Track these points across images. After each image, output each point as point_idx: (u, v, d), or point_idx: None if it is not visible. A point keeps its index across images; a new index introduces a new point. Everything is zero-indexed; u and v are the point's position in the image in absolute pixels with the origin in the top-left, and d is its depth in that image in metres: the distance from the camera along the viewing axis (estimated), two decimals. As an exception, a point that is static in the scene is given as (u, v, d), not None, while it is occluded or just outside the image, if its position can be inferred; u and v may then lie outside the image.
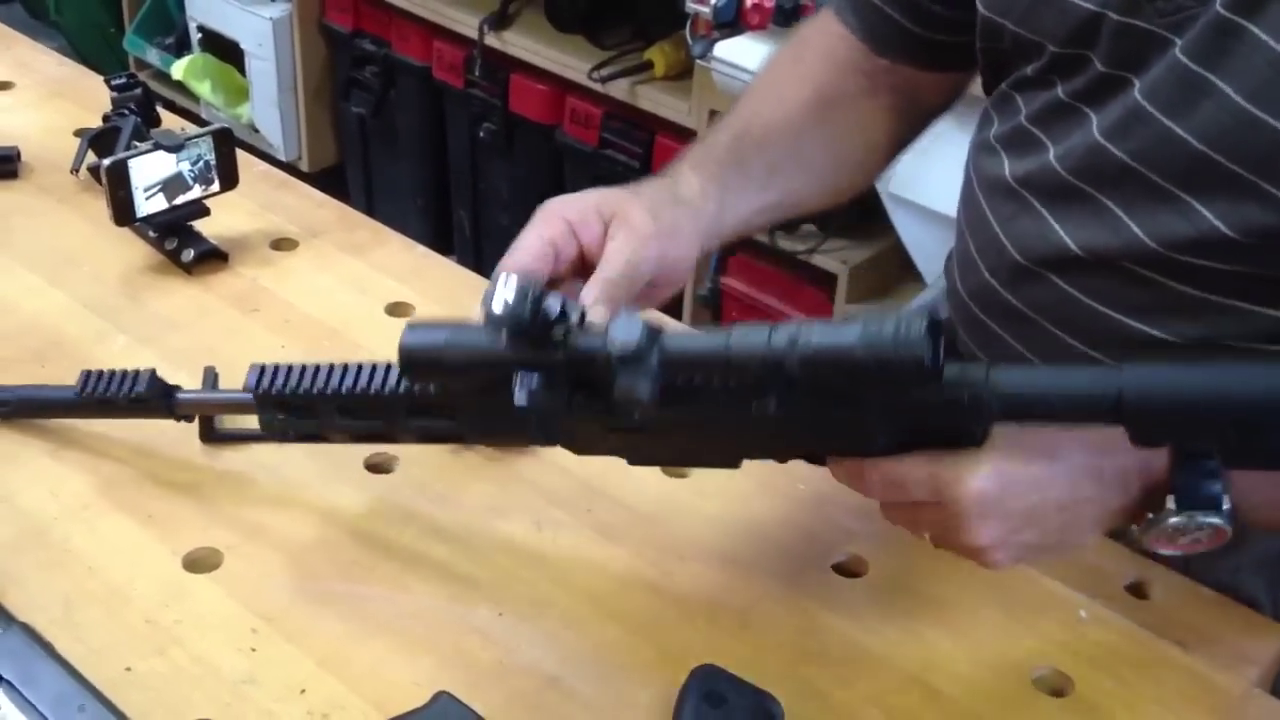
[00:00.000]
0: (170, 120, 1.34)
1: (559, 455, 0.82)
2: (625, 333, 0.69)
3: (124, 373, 0.94)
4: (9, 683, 0.73)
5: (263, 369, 0.87)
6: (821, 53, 1.04)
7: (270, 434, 0.90)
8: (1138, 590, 0.90)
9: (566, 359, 0.72)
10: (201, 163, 1.17)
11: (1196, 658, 0.85)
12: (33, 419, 0.99)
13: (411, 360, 0.76)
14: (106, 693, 0.75)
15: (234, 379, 0.91)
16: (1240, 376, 0.69)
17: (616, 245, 0.84)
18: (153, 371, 0.94)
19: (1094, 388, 0.69)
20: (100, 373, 0.95)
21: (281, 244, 1.23)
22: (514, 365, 0.74)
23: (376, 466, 0.97)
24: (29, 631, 0.77)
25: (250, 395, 0.87)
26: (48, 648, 0.76)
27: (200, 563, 0.89)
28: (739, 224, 0.95)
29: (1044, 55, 0.88)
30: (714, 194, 0.92)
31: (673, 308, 1.80)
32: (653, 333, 0.69)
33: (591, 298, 0.80)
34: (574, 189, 0.90)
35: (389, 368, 0.83)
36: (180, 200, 1.17)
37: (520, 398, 0.74)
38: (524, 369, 0.74)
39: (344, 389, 0.84)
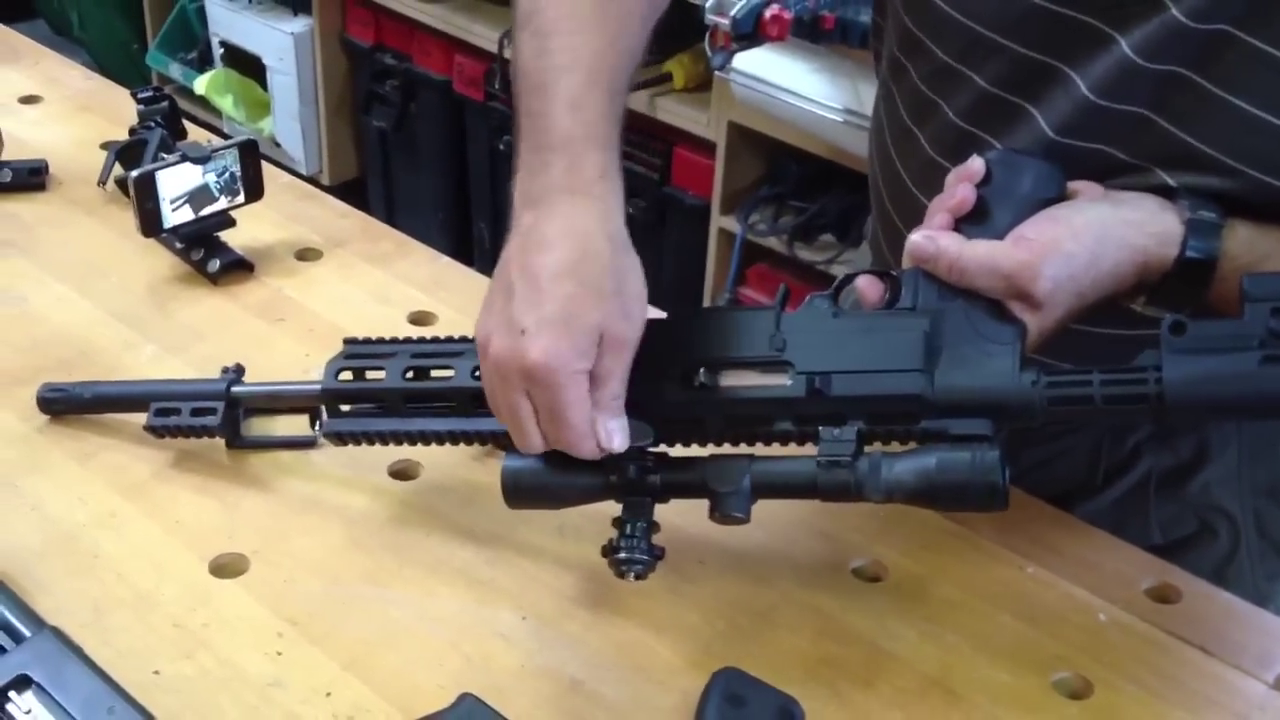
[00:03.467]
0: (195, 134, 1.35)
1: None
2: (725, 481, 0.79)
3: (195, 405, 0.98)
4: (39, 685, 0.74)
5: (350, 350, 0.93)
6: None
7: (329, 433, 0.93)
8: (1158, 594, 0.91)
9: (662, 486, 0.81)
10: (227, 174, 1.18)
11: (1217, 661, 0.85)
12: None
13: (516, 488, 0.82)
14: (135, 696, 0.75)
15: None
16: None
17: (612, 363, 0.77)
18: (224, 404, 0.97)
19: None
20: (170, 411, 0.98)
21: (306, 254, 1.24)
22: (613, 495, 0.82)
23: (400, 473, 0.98)
24: (59, 635, 0.78)
25: (317, 388, 0.93)
26: (77, 651, 0.77)
27: (227, 568, 0.90)
28: None
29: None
30: (620, 196, 0.84)
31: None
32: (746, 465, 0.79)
33: (614, 425, 0.78)
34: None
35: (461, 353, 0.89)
36: (206, 211, 1.18)
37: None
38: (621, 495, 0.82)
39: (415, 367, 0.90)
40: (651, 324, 0.81)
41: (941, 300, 0.78)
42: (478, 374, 0.86)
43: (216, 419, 0.97)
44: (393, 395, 0.90)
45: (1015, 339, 0.77)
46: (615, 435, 0.77)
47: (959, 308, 0.78)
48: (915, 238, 0.80)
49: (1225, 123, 0.80)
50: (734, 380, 0.80)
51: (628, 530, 0.80)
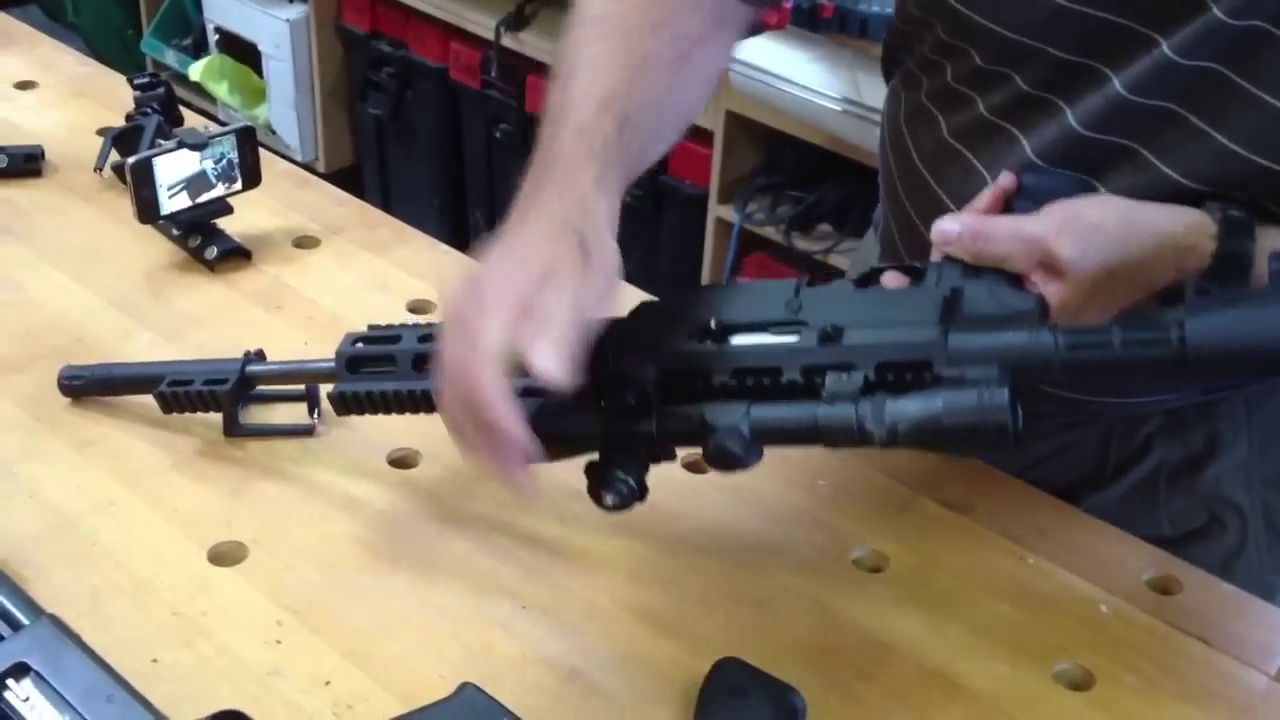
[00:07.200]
0: (191, 120, 1.34)
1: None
2: (724, 416, 0.75)
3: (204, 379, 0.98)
4: (38, 673, 0.74)
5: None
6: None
7: (337, 403, 0.93)
8: (1159, 586, 0.91)
9: (659, 432, 0.77)
10: (225, 161, 1.18)
11: (1218, 653, 0.85)
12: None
13: None
14: (134, 684, 0.75)
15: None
16: None
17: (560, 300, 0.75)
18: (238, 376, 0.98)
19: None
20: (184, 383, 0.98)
21: (304, 242, 1.24)
22: (609, 440, 0.78)
23: (399, 461, 0.98)
24: (57, 623, 0.77)
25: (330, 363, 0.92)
26: (76, 639, 0.77)
27: (225, 556, 0.89)
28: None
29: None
30: (612, 208, 0.83)
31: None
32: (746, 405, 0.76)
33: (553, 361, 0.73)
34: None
35: None
36: (203, 198, 1.18)
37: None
38: (617, 439, 0.78)
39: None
40: (667, 299, 0.81)
41: (965, 279, 0.78)
42: None
43: (228, 386, 0.97)
44: (404, 356, 0.90)
45: (1037, 303, 0.76)
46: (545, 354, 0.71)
47: (981, 283, 0.77)
48: (940, 222, 0.81)
49: (1256, 118, 0.80)
50: (746, 341, 0.78)
51: (617, 459, 0.77)
